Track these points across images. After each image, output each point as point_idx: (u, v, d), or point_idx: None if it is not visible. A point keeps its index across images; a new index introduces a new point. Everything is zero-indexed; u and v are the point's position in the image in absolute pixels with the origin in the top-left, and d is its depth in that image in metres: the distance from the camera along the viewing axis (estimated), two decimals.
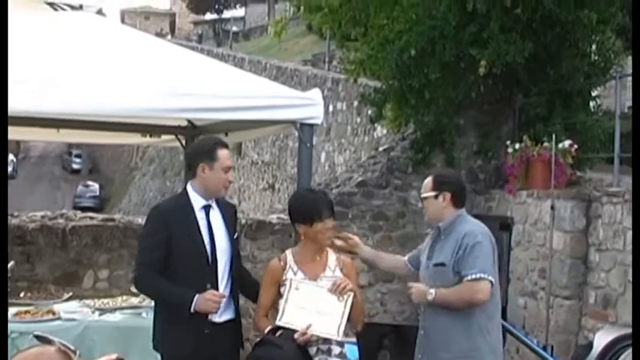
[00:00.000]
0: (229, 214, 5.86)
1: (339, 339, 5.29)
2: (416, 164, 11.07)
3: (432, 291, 5.44)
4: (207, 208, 5.71)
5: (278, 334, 5.28)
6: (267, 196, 23.50)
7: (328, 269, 5.53)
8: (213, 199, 5.78)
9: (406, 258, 6.14)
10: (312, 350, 5.35)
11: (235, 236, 5.82)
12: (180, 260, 5.53)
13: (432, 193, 5.64)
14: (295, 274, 5.51)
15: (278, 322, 5.32)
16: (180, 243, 5.55)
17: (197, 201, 5.69)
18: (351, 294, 5.35)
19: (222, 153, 5.69)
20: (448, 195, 5.62)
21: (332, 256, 5.61)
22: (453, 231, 5.56)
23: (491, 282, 5.38)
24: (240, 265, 5.89)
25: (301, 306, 5.29)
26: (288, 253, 5.67)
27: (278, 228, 10.52)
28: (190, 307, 5.39)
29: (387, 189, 11.20)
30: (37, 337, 2.77)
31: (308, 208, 5.56)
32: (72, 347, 2.72)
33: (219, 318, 5.61)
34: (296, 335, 5.22)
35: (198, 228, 5.62)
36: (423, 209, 5.92)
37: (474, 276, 5.35)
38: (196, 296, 5.39)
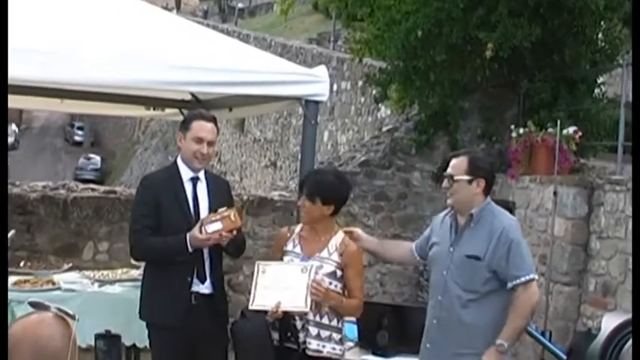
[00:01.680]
0: (218, 189, 5.93)
1: (307, 309, 5.28)
2: (419, 146, 11.03)
3: (497, 342, 5.17)
4: (194, 180, 5.81)
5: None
6: (269, 173, 23.47)
7: (326, 251, 5.52)
8: (201, 171, 5.85)
9: (412, 246, 5.91)
10: (299, 324, 5.42)
11: (223, 209, 5.80)
12: (166, 228, 5.61)
13: (466, 177, 5.29)
14: (295, 246, 5.60)
15: (250, 307, 5.36)
16: (168, 211, 5.66)
17: (185, 172, 5.81)
18: (314, 264, 5.36)
19: (198, 124, 5.76)
20: (483, 182, 5.33)
21: (337, 238, 5.57)
22: (485, 221, 5.30)
23: (536, 282, 5.27)
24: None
25: (269, 287, 5.35)
26: (299, 226, 5.73)
27: (279, 205, 10.50)
28: (187, 245, 5.48)
29: (390, 169, 11.18)
30: (32, 303, 2.74)
31: (300, 182, 5.82)
32: (70, 312, 2.70)
33: (205, 289, 5.66)
34: (268, 314, 5.33)
35: (186, 198, 5.72)
36: (443, 188, 5.54)
37: (524, 278, 5.17)
38: (187, 235, 5.48)
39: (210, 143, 5.78)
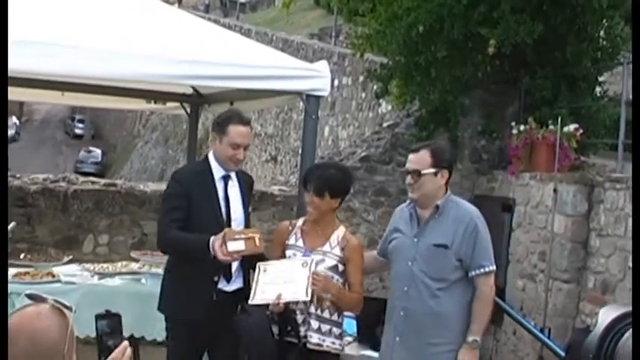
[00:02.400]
0: (247, 186, 5.91)
1: (308, 298, 5.31)
2: (420, 141, 10.98)
3: (470, 339, 5.22)
4: (226, 179, 5.77)
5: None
6: (270, 168, 23.47)
7: (328, 244, 5.55)
8: (232, 171, 5.82)
9: (375, 253, 5.94)
10: (300, 318, 5.45)
11: (250, 209, 5.83)
12: (197, 225, 5.57)
13: (432, 170, 5.29)
14: (297, 240, 5.62)
15: (250, 303, 5.36)
16: (199, 208, 5.62)
17: (217, 170, 5.76)
18: (314, 259, 5.39)
19: (234, 129, 5.67)
20: (446, 173, 5.34)
21: (339, 232, 5.60)
22: (450, 211, 5.30)
23: (494, 274, 5.28)
24: None
25: (269, 282, 5.36)
26: (301, 219, 5.75)
27: (279, 200, 10.51)
28: (209, 246, 5.38)
29: (390, 165, 11.18)
30: (29, 296, 2.74)
31: (304, 177, 5.73)
32: (67, 303, 2.70)
33: (228, 287, 5.62)
34: (270, 307, 5.34)
35: (217, 196, 5.68)
36: (407, 184, 5.46)
37: (488, 269, 5.21)
38: (212, 238, 5.39)
39: (246, 147, 5.75)
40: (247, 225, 5.78)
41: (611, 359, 3.95)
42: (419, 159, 5.33)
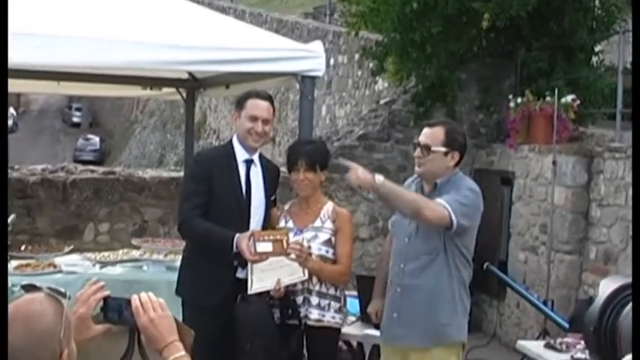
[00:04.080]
0: (271, 175, 5.83)
1: (306, 277, 5.37)
2: (417, 118, 11.02)
3: (381, 177, 5.01)
4: (248, 163, 5.71)
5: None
6: (268, 149, 23.45)
7: (319, 220, 5.59)
8: (256, 154, 5.76)
9: (388, 238, 5.83)
10: (299, 299, 5.50)
11: (272, 198, 5.80)
12: (217, 208, 5.55)
13: (443, 149, 5.17)
14: (287, 222, 5.65)
15: (249, 293, 5.37)
16: (219, 191, 5.58)
17: (240, 153, 5.70)
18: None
19: (252, 102, 5.65)
20: (457, 155, 5.22)
21: (328, 207, 5.65)
22: (448, 188, 5.17)
23: (450, 217, 4.96)
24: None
25: (265, 269, 5.37)
26: (289, 203, 5.79)
27: (279, 180, 10.50)
28: (232, 246, 5.36)
29: (389, 142, 11.18)
30: (24, 287, 2.78)
31: (288, 156, 5.70)
32: (61, 289, 2.73)
33: (243, 274, 5.58)
34: (271, 293, 5.38)
35: (239, 180, 5.64)
36: (415, 157, 5.32)
37: (439, 200, 5.02)
38: (236, 236, 5.37)
39: (266, 121, 5.64)
40: (267, 213, 5.73)
41: (612, 331, 3.94)
42: (432, 134, 5.23)
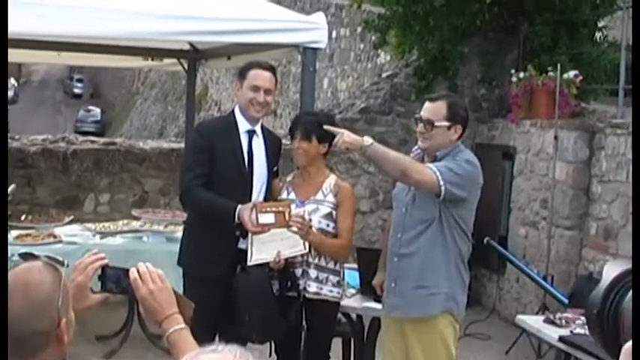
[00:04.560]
0: (273, 146, 5.82)
1: (306, 250, 5.39)
2: (419, 91, 10.97)
3: (370, 139, 5.05)
4: (251, 134, 5.69)
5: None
6: (269, 121, 23.43)
7: (321, 193, 5.59)
8: (258, 124, 5.75)
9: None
10: (298, 272, 5.53)
11: (275, 169, 5.79)
12: (219, 179, 5.54)
13: (446, 124, 5.15)
14: (289, 194, 5.65)
15: (249, 264, 5.37)
16: (222, 161, 5.56)
17: (242, 124, 5.69)
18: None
19: (254, 72, 5.63)
20: (460, 129, 5.20)
21: (330, 180, 5.65)
22: (450, 158, 5.15)
23: (438, 181, 4.96)
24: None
25: (266, 241, 5.37)
26: (292, 174, 5.80)
27: (281, 152, 10.49)
28: (234, 217, 5.36)
29: (390, 116, 11.15)
30: (22, 255, 2.77)
31: (290, 127, 5.74)
32: (59, 258, 2.72)
33: (244, 244, 5.57)
34: (271, 265, 5.40)
35: (240, 149, 5.62)
36: (417, 132, 5.28)
37: (429, 165, 5.05)
38: (238, 207, 5.37)
39: (268, 91, 5.63)
40: (269, 184, 5.72)
41: (615, 315, 3.94)
42: (435, 109, 5.21)
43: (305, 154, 5.55)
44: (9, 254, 6.52)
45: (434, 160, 5.17)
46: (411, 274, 5.23)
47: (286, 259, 5.40)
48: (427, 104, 5.29)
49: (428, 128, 5.18)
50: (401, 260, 5.29)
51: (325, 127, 5.33)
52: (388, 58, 15.62)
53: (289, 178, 5.76)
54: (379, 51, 15.93)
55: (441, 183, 4.98)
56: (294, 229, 5.33)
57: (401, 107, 11.18)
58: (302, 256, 5.47)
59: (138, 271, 2.88)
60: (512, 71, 10.29)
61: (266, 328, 5.41)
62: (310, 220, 5.44)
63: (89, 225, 7.94)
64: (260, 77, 5.64)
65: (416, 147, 5.44)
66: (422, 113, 5.24)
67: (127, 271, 2.89)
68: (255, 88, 5.59)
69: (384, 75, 12.44)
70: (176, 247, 5.94)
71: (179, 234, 6.53)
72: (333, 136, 5.43)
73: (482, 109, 11.20)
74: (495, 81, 11.13)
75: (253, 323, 5.35)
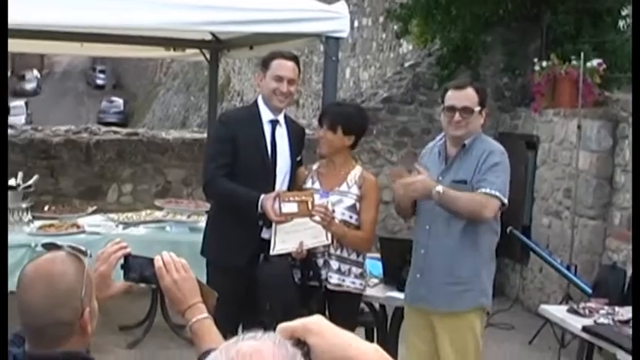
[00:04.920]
0: (296, 135, 5.84)
1: (329, 241, 5.37)
2: (442, 80, 10.93)
3: (441, 187, 5.06)
4: (274, 123, 5.72)
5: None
6: (292, 111, 23.44)
7: (345, 184, 5.57)
8: (281, 114, 5.77)
9: None
10: (320, 262, 5.51)
11: (298, 159, 5.80)
12: (242, 168, 5.56)
13: (479, 108, 5.21)
14: (313, 183, 5.64)
15: (272, 253, 5.39)
16: (245, 152, 5.59)
17: (265, 114, 5.71)
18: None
19: (277, 62, 5.65)
20: (484, 112, 5.27)
21: (355, 172, 5.62)
22: (474, 148, 5.21)
23: (502, 204, 5.09)
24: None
25: (289, 231, 5.38)
26: (317, 163, 5.78)
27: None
28: (257, 206, 5.38)
29: (413, 105, 11.14)
30: (44, 245, 2.79)
31: (320, 115, 5.74)
32: (82, 248, 2.73)
33: (268, 234, 5.57)
34: (293, 255, 5.41)
35: (264, 139, 5.64)
36: (454, 121, 5.21)
37: (489, 190, 5.05)
38: (261, 196, 5.38)
39: (291, 82, 5.65)
40: (292, 174, 5.73)
41: None
42: (467, 96, 5.22)
43: (329, 144, 5.54)
44: (32, 244, 6.60)
45: (462, 148, 5.18)
46: (441, 267, 5.21)
47: (308, 250, 5.40)
48: (456, 92, 5.26)
49: (466, 116, 5.19)
50: (429, 252, 5.27)
51: (417, 165, 5.31)
52: (410, 47, 15.61)
53: (315, 167, 5.75)
54: (401, 40, 15.91)
55: (505, 201, 5.11)
56: (317, 218, 5.31)
57: (423, 96, 11.16)
58: (324, 247, 5.46)
59: (162, 259, 2.89)
60: (535, 60, 10.24)
61: (287, 316, 5.39)
62: (333, 211, 5.43)
63: (112, 215, 7.96)
64: (283, 67, 5.64)
65: (440, 136, 5.44)
66: (454, 102, 5.22)
67: (151, 260, 2.90)
68: (279, 78, 5.60)
69: (406, 64, 12.43)
70: (199, 237, 5.96)
71: (202, 224, 6.54)
72: (360, 129, 5.53)
73: (504, 98, 11.16)
74: (518, 70, 11.09)
75: (274, 312, 5.35)
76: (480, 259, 5.21)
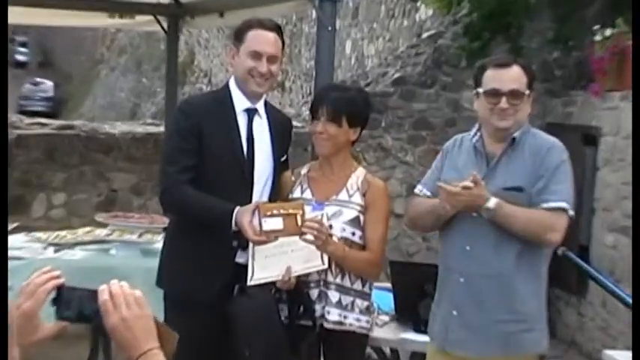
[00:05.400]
0: (280, 129, 5.82)
1: (325, 266, 5.34)
2: (471, 56, 10.93)
3: (494, 201, 5.02)
4: (251, 113, 5.70)
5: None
6: (275, 96, 23.49)
7: (345, 192, 5.55)
8: (261, 101, 5.75)
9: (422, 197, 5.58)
10: (314, 293, 5.48)
11: (283, 159, 5.79)
12: (210, 172, 5.54)
13: (528, 91, 5.20)
14: (303, 191, 5.63)
15: (250, 283, 5.35)
16: (214, 150, 5.55)
17: (239, 101, 5.69)
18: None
19: (254, 34, 5.59)
20: (532, 96, 5.27)
21: (358, 175, 5.61)
22: (525, 144, 5.19)
23: (569, 216, 5.10)
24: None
25: (270, 255, 5.36)
26: (307, 165, 5.79)
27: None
28: (231, 222, 5.32)
29: (433, 88, 11.16)
30: None
31: (311, 102, 5.71)
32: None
33: (245, 257, 5.57)
34: (278, 285, 5.37)
35: (238, 135, 5.62)
36: (498, 108, 5.18)
37: (555, 204, 5.05)
38: (236, 209, 5.33)
39: (272, 59, 5.59)
40: (275, 180, 5.70)
41: None
42: (515, 76, 5.22)
43: (331, 142, 5.51)
44: None
45: (511, 144, 5.17)
46: (493, 301, 5.19)
47: (298, 278, 5.38)
48: (499, 71, 5.25)
49: (515, 102, 5.18)
50: (472, 282, 5.22)
51: (473, 173, 5.22)
52: (430, 13, 15.64)
53: (304, 171, 5.73)
54: (418, 4, 15.95)
55: (572, 215, 5.15)
56: (309, 237, 5.28)
57: (447, 77, 11.18)
58: (319, 273, 5.45)
59: (109, 291, 2.87)
60: (596, 28, 10.26)
61: None
62: (331, 226, 5.42)
63: (39, 234, 7.96)
64: (262, 40, 5.62)
65: (474, 129, 5.43)
66: (498, 84, 5.22)
67: (93, 292, 2.88)
68: (256, 55, 5.59)
69: (424, 35, 12.49)
70: (154, 263, 5.96)
71: (158, 245, 6.54)
72: (366, 119, 5.55)
73: (555, 78, 11.20)
74: (572, 41, 11.11)
75: (254, 359, 5.36)
76: (542, 290, 5.21)
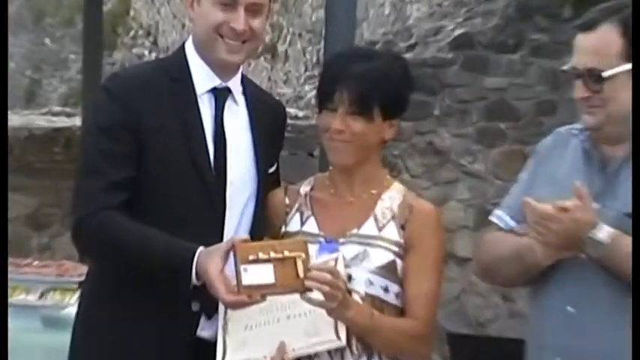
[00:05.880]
0: (268, 121, 5.78)
1: (343, 343, 5.23)
2: (579, 2, 11.00)
3: (607, 231, 4.94)
4: (219, 96, 5.64)
5: None
6: (263, 67, 23.59)
7: (372, 222, 5.48)
8: (236, 77, 5.70)
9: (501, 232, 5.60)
10: None
11: (273, 169, 5.78)
12: (155, 191, 5.49)
13: (627, 67, 5.09)
14: (304, 222, 5.56)
15: None
16: (162, 153, 5.47)
17: (202, 75, 5.64)
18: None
19: None
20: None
21: (394, 196, 5.54)
22: None
23: None
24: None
25: (252, 324, 5.32)
26: (309, 180, 5.71)
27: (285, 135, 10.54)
28: (191, 269, 5.19)
29: (517, 54, 11.19)
30: None
31: (320, 81, 5.66)
32: None
33: (211, 330, 5.56)
34: None
35: (201, 129, 5.54)
36: (581, 100, 5.22)
37: None
38: (198, 250, 5.21)
39: (254, 8, 5.51)
40: (259, 199, 5.65)
41: None
42: (598, 45, 5.16)
43: (355, 144, 5.41)
44: None
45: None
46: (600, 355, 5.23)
47: None
48: (578, 38, 5.28)
49: (595, 87, 5.15)
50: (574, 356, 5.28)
51: (577, 184, 5.14)
52: None
53: (306, 189, 5.68)
54: None
55: None
56: (316, 295, 5.19)
57: (542, 34, 11.22)
58: (332, 354, 5.41)
59: None
60: None
61: None
62: (350, 277, 5.37)
63: None
64: None
65: (579, 127, 5.45)
66: (576, 60, 5.23)
67: None
68: (225, 5, 5.59)
69: None
70: (63, 338, 6.00)
71: (71, 311, 6.57)
72: (405, 104, 5.52)
73: None
74: None
75: None
76: None
